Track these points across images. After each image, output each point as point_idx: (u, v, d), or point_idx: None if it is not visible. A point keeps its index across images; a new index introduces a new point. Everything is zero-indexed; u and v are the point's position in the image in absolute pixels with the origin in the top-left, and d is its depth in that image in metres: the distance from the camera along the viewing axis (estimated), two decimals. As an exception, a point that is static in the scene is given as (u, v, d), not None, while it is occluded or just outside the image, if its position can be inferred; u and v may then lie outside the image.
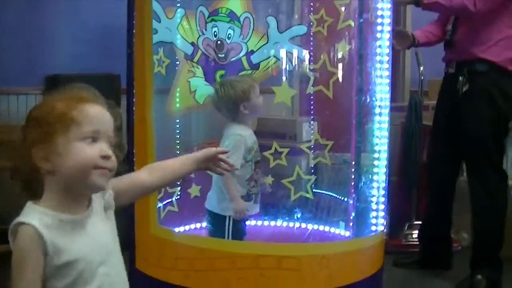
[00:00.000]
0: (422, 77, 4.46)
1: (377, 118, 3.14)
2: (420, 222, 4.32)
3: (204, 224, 3.33)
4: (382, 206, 3.15)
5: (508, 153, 4.27)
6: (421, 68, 4.44)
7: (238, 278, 2.70)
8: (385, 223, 3.22)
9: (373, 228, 3.14)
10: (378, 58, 3.11)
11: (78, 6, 4.37)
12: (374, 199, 3.14)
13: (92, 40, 4.40)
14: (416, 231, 4.29)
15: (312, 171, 3.55)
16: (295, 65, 3.45)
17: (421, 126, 4.38)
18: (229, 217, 3.03)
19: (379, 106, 3.13)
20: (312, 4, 3.50)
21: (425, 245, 3.87)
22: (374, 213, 3.15)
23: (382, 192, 3.17)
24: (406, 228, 4.38)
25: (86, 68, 4.25)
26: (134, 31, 3.00)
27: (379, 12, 3.09)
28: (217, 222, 3.08)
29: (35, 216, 1.45)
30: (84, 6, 4.38)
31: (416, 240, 4.20)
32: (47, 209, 1.47)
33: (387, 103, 3.17)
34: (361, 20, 3.11)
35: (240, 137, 2.99)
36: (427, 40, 3.79)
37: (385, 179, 3.18)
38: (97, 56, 4.35)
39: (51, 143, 1.45)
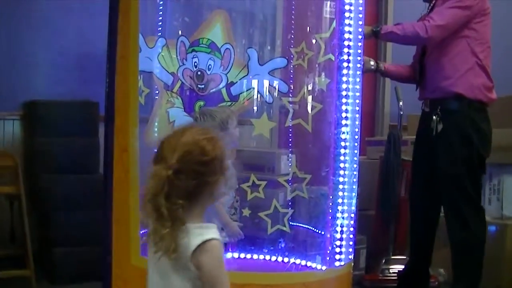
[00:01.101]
0: (402, 112, 4.47)
1: (343, 150, 3.14)
2: (397, 257, 4.31)
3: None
4: (351, 236, 3.18)
5: (484, 191, 4.29)
6: (401, 103, 4.45)
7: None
8: (353, 253, 3.23)
9: (341, 257, 3.15)
10: (344, 93, 3.11)
11: (57, 33, 4.36)
12: (340, 229, 3.15)
13: (70, 67, 4.38)
14: (393, 266, 4.27)
15: (290, 204, 3.52)
16: (274, 97, 3.45)
17: (399, 161, 4.38)
18: None
19: (344, 140, 3.12)
20: (293, 36, 3.52)
21: (404, 282, 3.84)
22: (343, 243, 3.15)
23: (351, 222, 3.17)
24: (383, 262, 4.34)
25: (64, 95, 4.23)
26: (115, 60, 2.98)
27: (345, 50, 3.10)
28: None
29: (212, 231, 1.73)
30: (63, 33, 4.37)
31: (393, 275, 4.17)
32: (204, 223, 1.76)
33: (357, 136, 3.18)
34: (341, 57, 3.11)
35: None
36: (395, 70, 3.82)
37: (354, 210, 3.19)
38: (75, 83, 4.33)
39: (225, 175, 1.76)
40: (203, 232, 1.71)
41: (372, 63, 3.72)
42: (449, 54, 3.45)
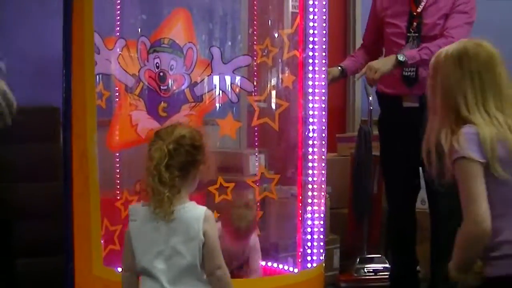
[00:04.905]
0: (371, 107, 4.40)
1: (310, 149, 3.10)
2: (372, 256, 4.25)
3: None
4: (321, 236, 3.14)
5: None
6: (370, 98, 4.38)
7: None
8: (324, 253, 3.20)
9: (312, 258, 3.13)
10: (310, 90, 3.07)
11: (12, 36, 4.20)
12: (310, 230, 3.12)
13: (28, 72, 4.22)
14: (368, 265, 4.21)
15: (259, 205, 3.43)
16: (240, 96, 3.36)
17: (371, 157, 4.30)
18: None
19: (312, 138, 3.09)
20: (256, 33, 3.44)
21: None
22: (314, 243, 3.12)
23: (320, 222, 3.13)
24: (357, 262, 4.27)
25: (22, 100, 4.06)
26: (71, 63, 2.91)
27: (310, 46, 3.05)
28: None
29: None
30: (18, 36, 4.21)
31: (368, 274, 4.12)
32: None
33: (324, 134, 3.14)
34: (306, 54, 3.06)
35: None
36: (355, 70, 3.76)
37: (323, 210, 3.15)
38: (34, 88, 4.17)
39: (206, 164, 2.19)
40: (196, 206, 2.11)
41: (340, 71, 3.66)
42: None
